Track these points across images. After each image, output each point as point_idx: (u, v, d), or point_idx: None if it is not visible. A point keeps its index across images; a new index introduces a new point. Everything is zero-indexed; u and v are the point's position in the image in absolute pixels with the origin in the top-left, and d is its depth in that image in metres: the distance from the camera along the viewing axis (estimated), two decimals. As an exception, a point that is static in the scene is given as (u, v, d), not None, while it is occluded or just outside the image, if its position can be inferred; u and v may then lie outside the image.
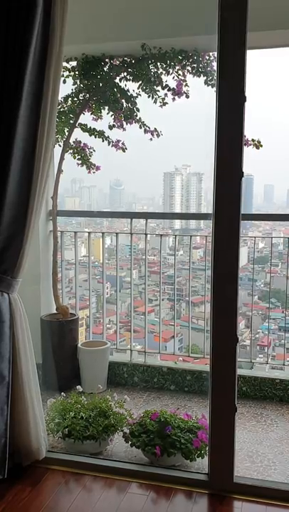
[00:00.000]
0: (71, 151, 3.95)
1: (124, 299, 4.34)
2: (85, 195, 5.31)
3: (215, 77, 3.37)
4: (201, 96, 3.71)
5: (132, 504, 2.39)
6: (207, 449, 2.57)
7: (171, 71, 3.57)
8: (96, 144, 3.98)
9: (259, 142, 3.57)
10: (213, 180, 2.31)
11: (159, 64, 3.56)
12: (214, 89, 3.38)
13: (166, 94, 3.66)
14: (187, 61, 3.50)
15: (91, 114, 3.87)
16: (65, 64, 3.59)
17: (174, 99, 3.67)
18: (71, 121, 3.85)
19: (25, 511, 2.32)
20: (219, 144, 2.28)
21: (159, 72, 3.59)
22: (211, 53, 3.47)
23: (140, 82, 3.64)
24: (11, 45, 2.34)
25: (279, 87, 4.03)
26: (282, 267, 4.64)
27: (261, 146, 3.59)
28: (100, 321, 4.31)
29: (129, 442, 2.81)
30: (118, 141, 3.89)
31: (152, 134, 3.83)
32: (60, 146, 3.83)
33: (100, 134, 3.89)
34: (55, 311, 3.88)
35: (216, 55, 2.29)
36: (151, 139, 3.83)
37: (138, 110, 3.77)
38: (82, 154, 3.97)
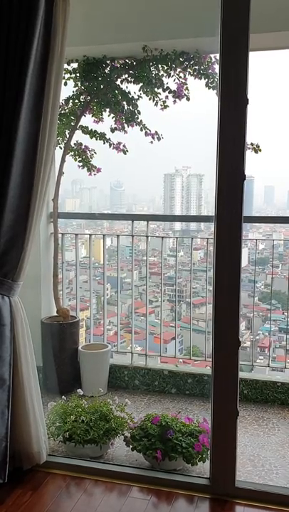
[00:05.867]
0: (72, 153, 3.94)
1: (124, 300, 4.32)
2: (86, 196, 5.30)
3: (216, 80, 3.40)
4: (202, 99, 3.71)
5: (133, 508, 2.38)
6: (209, 453, 2.56)
7: (172, 73, 3.56)
8: (97, 146, 3.98)
9: (258, 146, 3.56)
10: (215, 183, 2.30)
11: (160, 66, 3.55)
12: (215, 91, 3.41)
13: (167, 97, 3.65)
14: (188, 63, 3.49)
15: (92, 116, 3.87)
16: (66, 66, 3.58)
17: (174, 101, 3.66)
18: (72, 124, 3.85)
19: (26, 516, 2.31)
20: (221, 147, 2.27)
21: (160, 74, 3.59)
22: (212, 55, 3.46)
23: (141, 84, 3.63)
24: (13, 46, 2.33)
25: (278, 89, 4.03)
26: (282, 269, 4.64)
27: (260, 150, 3.57)
28: (100, 322, 4.29)
29: (130, 446, 2.80)
30: (119, 143, 3.89)
31: (153, 137, 3.83)
32: (60, 148, 3.83)
33: (101, 137, 3.89)
34: (55, 314, 3.86)
35: (217, 57, 2.28)
36: (151, 142, 3.83)
37: (139, 113, 3.77)
38: (84, 156, 3.96)
